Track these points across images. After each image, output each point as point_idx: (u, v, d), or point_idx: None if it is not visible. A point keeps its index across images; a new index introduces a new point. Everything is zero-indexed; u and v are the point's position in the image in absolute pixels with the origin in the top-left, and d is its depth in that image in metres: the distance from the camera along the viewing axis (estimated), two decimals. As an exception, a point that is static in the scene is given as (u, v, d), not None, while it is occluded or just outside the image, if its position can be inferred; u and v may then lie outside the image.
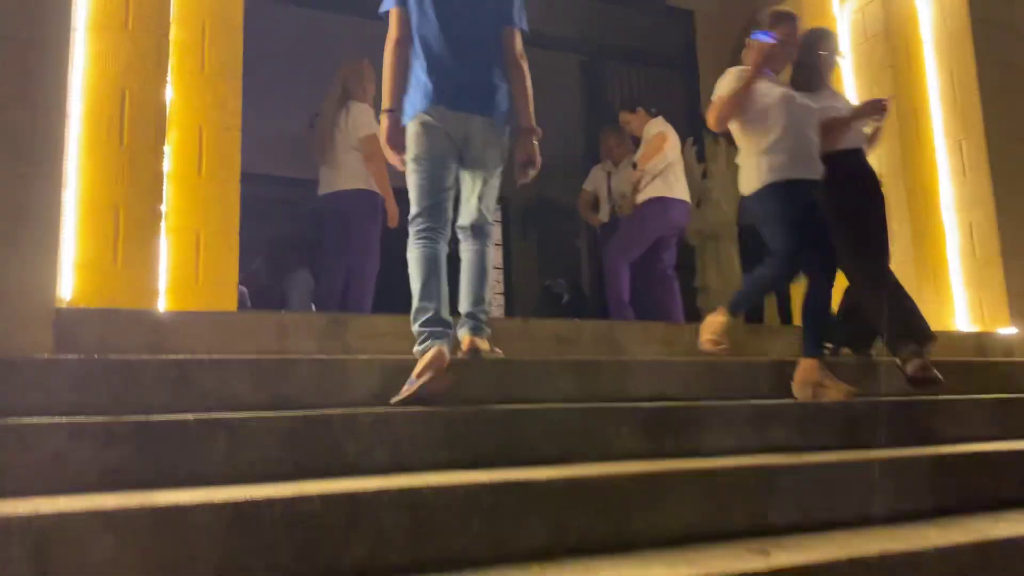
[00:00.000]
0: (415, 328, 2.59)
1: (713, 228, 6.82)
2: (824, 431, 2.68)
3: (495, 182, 2.84)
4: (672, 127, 4.82)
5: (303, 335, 2.73)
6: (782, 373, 3.10)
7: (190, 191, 3.28)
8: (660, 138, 4.56)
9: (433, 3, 2.77)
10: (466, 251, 2.82)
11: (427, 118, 2.70)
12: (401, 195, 4.16)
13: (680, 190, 4.66)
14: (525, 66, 2.91)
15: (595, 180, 5.50)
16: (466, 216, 2.83)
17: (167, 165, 3.24)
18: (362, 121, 4.10)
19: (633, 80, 7.32)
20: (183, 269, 3.22)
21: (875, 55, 4.78)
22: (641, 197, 4.56)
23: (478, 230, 2.82)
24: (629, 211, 4.57)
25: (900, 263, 4.52)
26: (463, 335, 2.77)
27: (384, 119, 2.80)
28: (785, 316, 5.06)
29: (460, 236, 2.86)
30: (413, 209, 2.72)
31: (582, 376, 2.76)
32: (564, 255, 13.06)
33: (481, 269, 2.80)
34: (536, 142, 2.88)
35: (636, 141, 4.94)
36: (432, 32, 2.75)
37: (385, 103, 2.80)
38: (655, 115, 4.86)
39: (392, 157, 2.82)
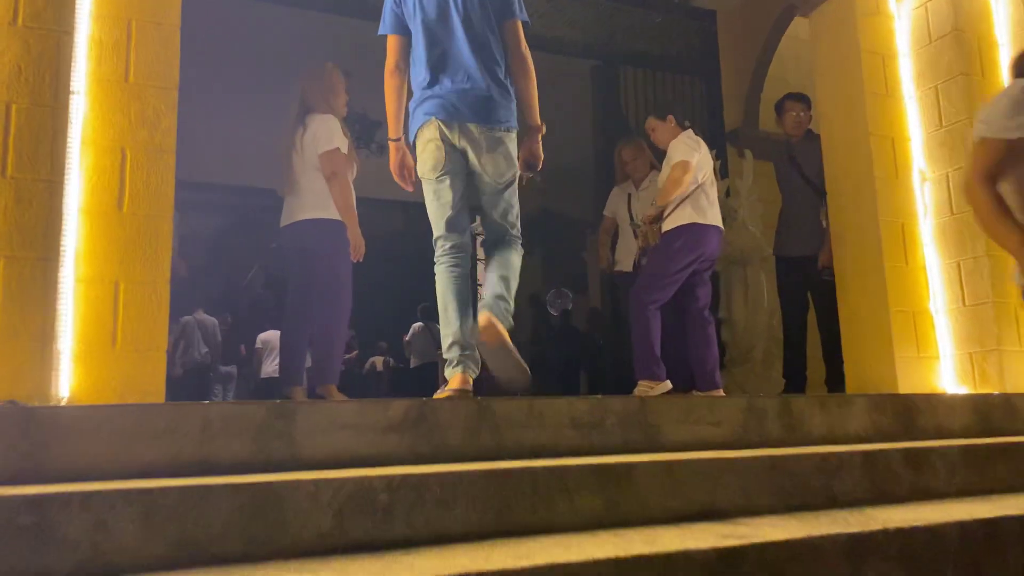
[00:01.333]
0: (444, 354, 2.74)
1: (739, 252, 6.10)
2: (940, 569, 1.97)
3: (508, 192, 2.79)
4: (703, 141, 4.12)
5: (234, 435, 2.03)
6: (868, 466, 2.40)
7: (108, 231, 2.59)
8: (682, 169, 3.82)
9: (423, 11, 2.73)
10: (489, 259, 2.78)
11: (429, 133, 2.70)
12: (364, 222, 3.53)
13: (714, 215, 3.96)
14: (530, 60, 2.81)
15: (614, 204, 4.80)
16: (488, 231, 2.82)
17: (76, 199, 2.55)
18: (321, 135, 3.40)
19: (649, 86, 6.72)
20: (96, 330, 2.52)
21: (942, 61, 4.08)
22: (669, 224, 3.85)
23: (500, 242, 2.80)
24: (656, 240, 3.86)
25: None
26: (481, 311, 2.61)
27: (391, 148, 2.81)
28: (835, 379, 4.33)
29: (484, 250, 2.84)
30: (434, 230, 2.79)
31: (610, 486, 2.06)
32: (570, 272, 12.42)
33: (504, 269, 2.72)
34: (540, 140, 2.85)
35: (661, 155, 4.24)
36: (427, 42, 2.73)
37: (391, 132, 2.81)
38: (687, 127, 4.15)
39: (403, 184, 2.84)
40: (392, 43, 2.77)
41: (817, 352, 4.56)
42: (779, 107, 4.66)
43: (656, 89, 6.79)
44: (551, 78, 7.90)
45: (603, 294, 7.73)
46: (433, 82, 2.69)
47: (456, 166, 2.70)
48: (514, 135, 2.74)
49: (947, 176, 4.03)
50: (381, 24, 2.80)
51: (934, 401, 3.15)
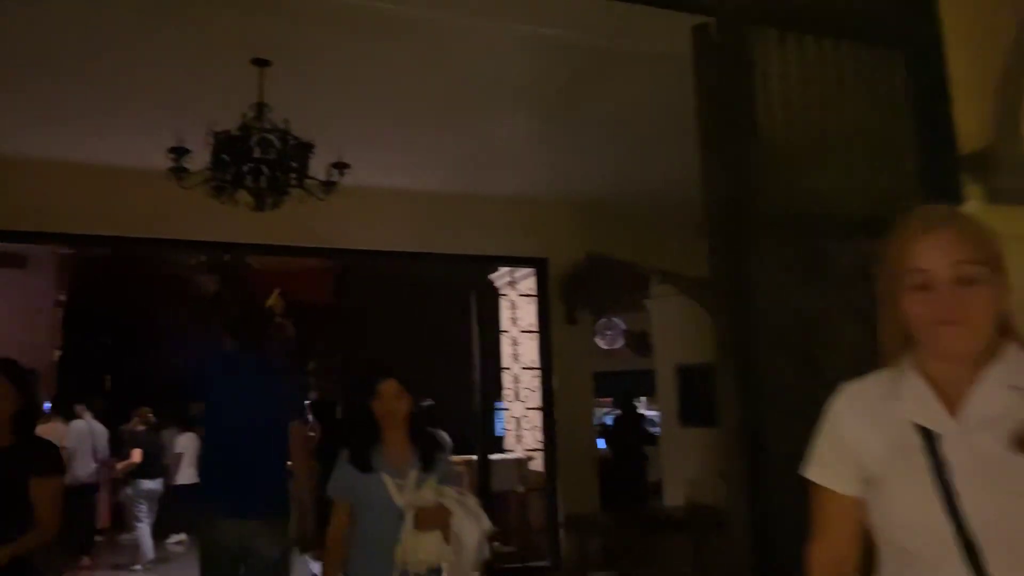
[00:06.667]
0: None
1: None
2: None
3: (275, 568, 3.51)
4: None
5: None
6: None
7: None
8: None
9: (220, 422, 3.51)
10: None
11: (209, 527, 3.41)
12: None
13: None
14: (305, 451, 3.73)
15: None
16: None
17: None
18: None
19: (807, 63, 3.60)
20: None
21: None
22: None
23: None
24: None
25: None
26: None
27: None
28: None
29: None
30: None
31: None
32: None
33: None
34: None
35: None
36: (217, 441, 3.54)
37: None
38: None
39: None
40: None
41: None
42: None
43: (821, 69, 3.66)
44: (612, 58, 4.59)
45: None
46: (217, 481, 3.45)
47: (227, 556, 3.38)
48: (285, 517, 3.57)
49: None
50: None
51: None
